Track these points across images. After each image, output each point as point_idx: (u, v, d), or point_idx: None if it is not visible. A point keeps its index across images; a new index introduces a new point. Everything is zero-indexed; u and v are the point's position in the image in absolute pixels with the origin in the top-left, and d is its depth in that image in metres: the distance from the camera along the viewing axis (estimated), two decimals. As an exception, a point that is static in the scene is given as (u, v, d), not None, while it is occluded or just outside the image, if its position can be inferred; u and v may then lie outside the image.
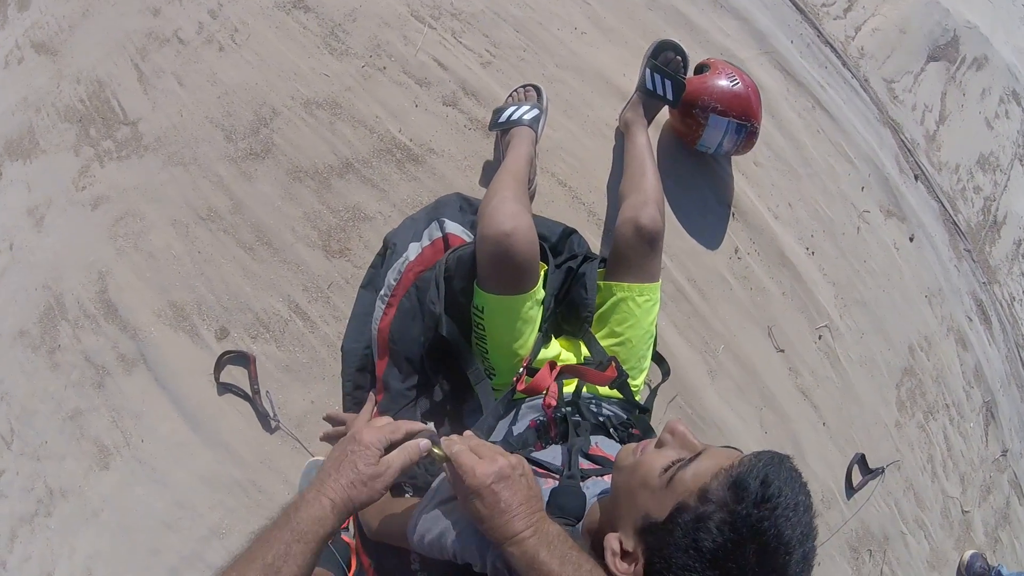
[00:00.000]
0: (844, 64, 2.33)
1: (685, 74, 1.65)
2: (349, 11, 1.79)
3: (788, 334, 1.86)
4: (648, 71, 1.59)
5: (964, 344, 2.30)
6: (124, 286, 1.59)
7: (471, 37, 1.78)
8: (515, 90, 1.60)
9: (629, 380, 1.17)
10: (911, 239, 2.22)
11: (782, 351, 1.83)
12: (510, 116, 1.46)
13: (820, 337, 1.91)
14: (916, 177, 2.37)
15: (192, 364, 1.47)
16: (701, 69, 1.73)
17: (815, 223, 1.98)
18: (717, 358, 1.79)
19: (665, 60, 1.62)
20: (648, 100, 1.61)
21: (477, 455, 0.71)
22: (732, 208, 1.86)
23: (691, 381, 1.73)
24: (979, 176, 2.65)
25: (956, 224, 2.39)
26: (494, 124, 1.52)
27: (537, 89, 1.56)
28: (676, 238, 1.78)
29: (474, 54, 1.76)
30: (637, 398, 1.23)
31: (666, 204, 1.55)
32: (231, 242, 1.60)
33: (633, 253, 1.24)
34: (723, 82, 1.63)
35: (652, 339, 1.30)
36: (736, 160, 1.87)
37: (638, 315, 1.23)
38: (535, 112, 1.46)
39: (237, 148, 1.76)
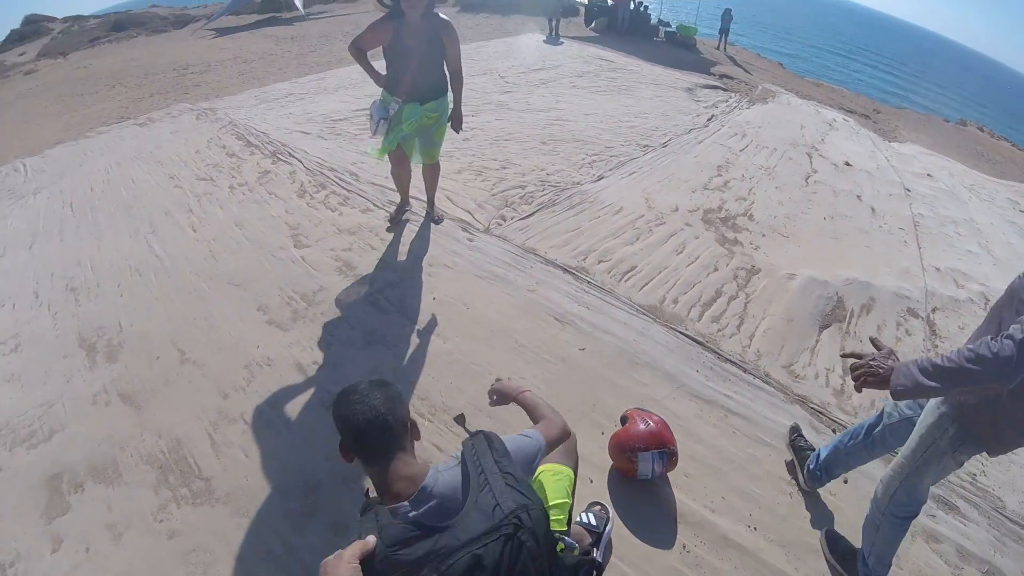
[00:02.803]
0: (744, 371, 2.96)
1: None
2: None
3: (750, 601, 2.06)
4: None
5: (936, 538, 2.37)
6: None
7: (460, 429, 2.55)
8: None
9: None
10: (845, 482, 2.50)
11: (746, 615, 2.03)
12: None
13: (783, 594, 2.11)
14: (834, 431, 2.72)
15: None
16: (623, 420, 2.46)
17: (749, 504, 2.36)
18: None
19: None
20: None
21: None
22: (676, 514, 2.28)
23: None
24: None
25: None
26: None
27: None
28: (629, 548, 2.15)
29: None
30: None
31: (619, 522, 2.17)
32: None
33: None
34: (640, 426, 2.37)
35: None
36: (671, 477, 2.40)
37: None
38: None
39: (290, 507, 2.21)
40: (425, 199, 4.26)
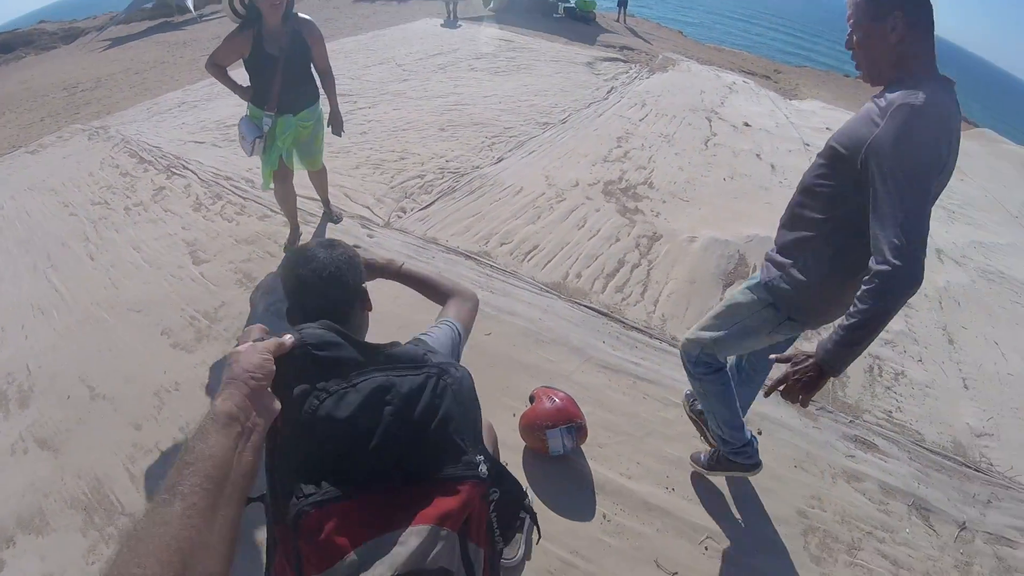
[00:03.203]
0: (651, 336, 3.01)
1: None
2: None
3: (675, 558, 2.09)
4: None
5: (857, 477, 2.43)
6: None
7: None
8: None
9: None
10: (759, 433, 2.56)
11: (675, 573, 2.04)
12: None
13: (706, 547, 2.14)
14: None
15: None
16: (531, 400, 2.46)
17: (666, 466, 2.40)
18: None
19: None
20: None
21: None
22: (593, 486, 2.30)
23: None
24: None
25: (799, 396, 2.78)
26: None
27: None
28: (551, 524, 2.14)
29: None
30: None
31: (538, 501, 2.16)
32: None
33: None
34: (546, 404, 2.38)
35: None
36: (585, 450, 2.42)
37: None
38: None
39: None
40: (320, 199, 4.13)
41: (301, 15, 3.11)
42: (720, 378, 2.06)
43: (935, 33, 1.46)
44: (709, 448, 2.40)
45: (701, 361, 2.04)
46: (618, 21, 17.01)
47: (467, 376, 1.11)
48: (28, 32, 21.62)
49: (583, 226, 4.13)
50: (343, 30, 11.52)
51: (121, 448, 2.56)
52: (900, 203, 1.32)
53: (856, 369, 2.95)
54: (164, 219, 4.24)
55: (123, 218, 4.35)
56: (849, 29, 1.56)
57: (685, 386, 2.71)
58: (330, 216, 4.13)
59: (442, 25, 12.07)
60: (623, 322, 3.15)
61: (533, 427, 2.35)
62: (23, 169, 5.59)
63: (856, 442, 2.61)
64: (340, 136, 3.62)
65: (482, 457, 1.03)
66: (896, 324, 3.30)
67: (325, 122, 3.51)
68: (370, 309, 1.32)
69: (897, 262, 1.30)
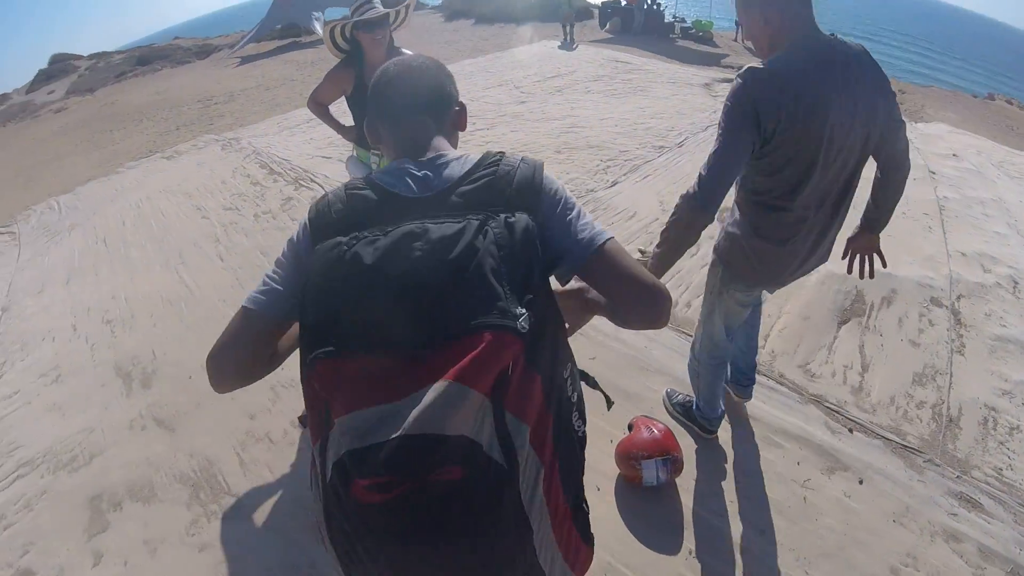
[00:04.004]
0: (758, 372, 2.89)
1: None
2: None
3: (760, 605, 1.99)
4: None
5: (956, 538, 2.29)
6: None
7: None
8: None
9: None
10: (860, 482, 2.45)
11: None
12: None
13: (792, 596, 2.01)
14: (851, 430, 2.68)
15: None
16: (630, 428, 2.51)
17: (759, 509, 2.35)
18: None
19: None
20: None
21: None
22: (683, 520, 2.29)
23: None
24: (919, 392, 2.87)
25: (906, 446, 2.59)
26: None
27: None
28: (634, 554, 2.16)
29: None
30: None
31: (625, 529, 2.21)
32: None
33: None
34: (644, 434, 2.42)
35: None
36: (679, 483, 2.42)
37: None
38: None
39: (312, 521, 2.24)
40: None
41: (404, 50, 2.91)
42: (720, 368, 2.38)
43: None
44: (685, 395, 2.73)
45: (705, 347, 2.33)
46: (736, 40, 16.68)
47: (524, 219, 0.93)
48: (164, 47, 24.07)
49: (696, 254, 4.08)
50: (463, 52, 12.03)
51: (234, 435, 2.76)
52: (712, 149, 1.60)
53: (969, 420, 2.77)
54: (291, 227, 4.50)
55: (252, 224, 4.78)
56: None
57: (790, 426, 2.70)
58: None
59: (559, 47, 12.34)
60: (731, 354, 3.12)
61: (629, 456, 2.39)
62: (159, 173, 6.25)
63: (961, 499, 2.45)
64: None
65: (525, 312, 0.86)
66: (1017, 374, 3.07)
67: None
68: (463, 128, 1.22)
69: (693, 190, 1.60)
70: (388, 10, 2.76)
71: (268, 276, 1.09)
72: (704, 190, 1.59)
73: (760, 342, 3.21)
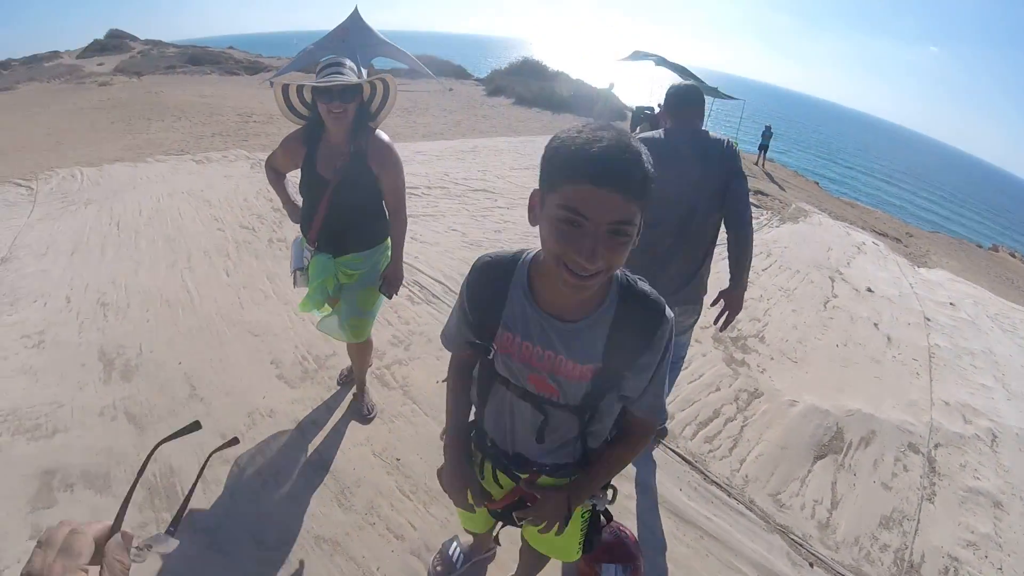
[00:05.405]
0: (729, 495, 2.94)
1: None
2: (356, 479, 2.63)
3: None
4: None
5: None
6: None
7: (437, 508, 2.56)
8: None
9: None
10: None
11: None
12: None
13: None
14: (812, 564, 2.65)
15: None
16: None
17: None
18: None
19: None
20: None
21: None
22: None
23: None
24: (884, 535, 2.88)
25: (867, 588, 2.49)
26: None
27: None
28: None
29: (437, 520, 2.51)
30: None
31: None
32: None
33: None
34: (608, 537, 2.35)
35: None
36: None
37: None
38: None
39: (261, 555, 2.25)
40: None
41: (380, 134, 2.40)
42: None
43: None
44: None
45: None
46: (756, 164, 17.26)
47: None
48: (217, 52, 24.84)
49: (687, 367, 4.12)
50: (497, 129, 12.41)
51: (203, 450, 2.70)
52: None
53: (931, 569, 2.75)
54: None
55: (265, 248, 4.83)
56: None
57: (752, 552, 2.67)
58: (359, 409, 3.10)
59: (592, 142, 12.72)
60: (705, 474, 3.10)
61: (590, 557, 2.35)
62: (186, 174, 6.35)
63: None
64: (390, 298, 2.72)
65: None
66: (984, 526, 3.07)
67: (376, 277, 2.63)
68: None
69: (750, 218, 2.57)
70: (359, 81, 2.24)
71: None
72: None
73: (736, 464, 3.22)
